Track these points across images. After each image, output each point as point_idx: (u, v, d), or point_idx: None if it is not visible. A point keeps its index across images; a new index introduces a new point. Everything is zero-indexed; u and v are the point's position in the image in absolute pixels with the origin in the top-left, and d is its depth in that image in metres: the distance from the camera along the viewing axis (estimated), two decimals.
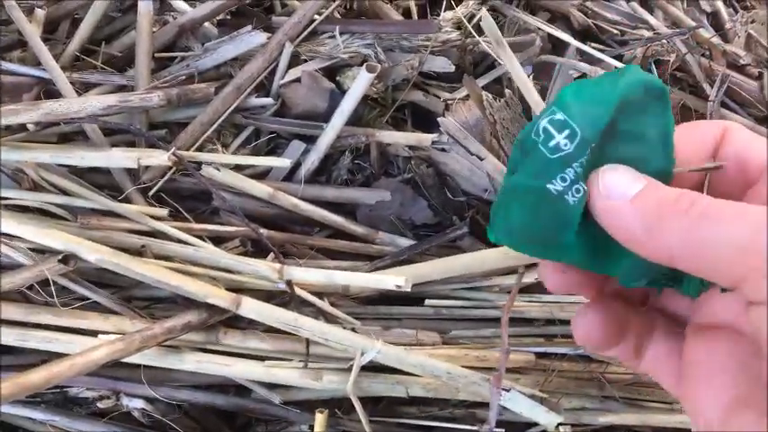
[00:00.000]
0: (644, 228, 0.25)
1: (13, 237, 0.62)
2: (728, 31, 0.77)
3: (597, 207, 0.27)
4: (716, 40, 0.73)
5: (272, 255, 0.65)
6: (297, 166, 0.68)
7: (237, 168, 0.67)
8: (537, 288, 0.67)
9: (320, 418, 0.61)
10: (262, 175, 0.69)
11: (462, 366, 0.61)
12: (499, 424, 0.63)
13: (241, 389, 0.66)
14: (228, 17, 0.73)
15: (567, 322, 0.65)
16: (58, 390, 0.67)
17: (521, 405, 0.58)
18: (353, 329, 0.62)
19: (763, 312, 0.23)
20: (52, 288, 0.62)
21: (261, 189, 0.66)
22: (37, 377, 0.53)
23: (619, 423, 0.61)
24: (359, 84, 0.61)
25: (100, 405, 0.65)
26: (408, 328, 0.65)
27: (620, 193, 0.26)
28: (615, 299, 0.30)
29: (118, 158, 0.63)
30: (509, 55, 0.64)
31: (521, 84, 0.64)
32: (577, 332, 0.30)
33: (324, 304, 0.64)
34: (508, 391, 0.58)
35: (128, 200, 0.67)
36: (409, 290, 0.61)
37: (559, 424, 0.59)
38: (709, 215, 0.24)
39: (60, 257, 0.60)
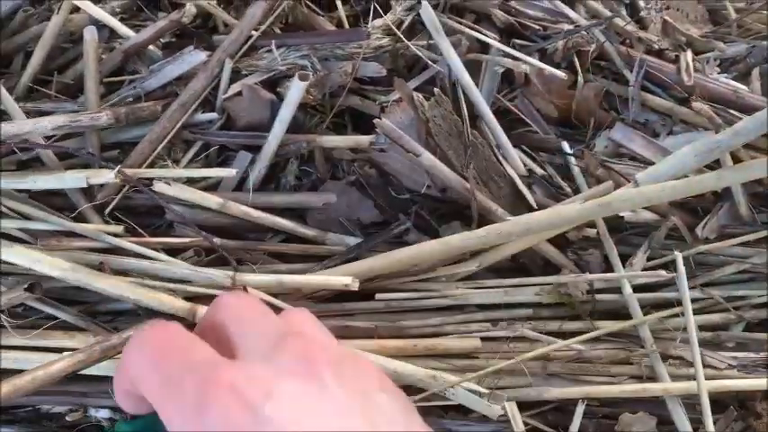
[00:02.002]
0: None
1: None
2: (645, 19, 0.80)
3: None
4: (631, 27, 0.76)
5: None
6: (247, 175, 0.70)
7: (190, 182, 0.69)
8: (484, 275, 0.69)
9: None
10: (214, 186, 0.71)
11: (411, 356, 0.64)
12: (454, 408, 0.66)
13: None
14: (173, 39, 0.75)
15: (510, 306, 0.68)
16: (31, 408, 0.69)
17: (465, 399, 0.60)
18: None
19: None
20: (6, 314, 0.64)
21: (211, 200, 0.67)
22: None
23: (562, 397, 0.63)
24: (293, 92, 0.63)
25: (68, 418, 0.66)
26: (362, 323, 0.67)
27: None
28: None
29: (69, 180, 0.65)
30: (446, 44, 0.66)
31: (457, 71, 0.66)
32: None
33: (279, 303, 0.65)
34: (453, 387, 0.60)
35: (86, 219, 0.69)
36: (356, 289, 0.63)
37: (507, 399, 0.61)
38: None
39: (27, 286, 0.62)
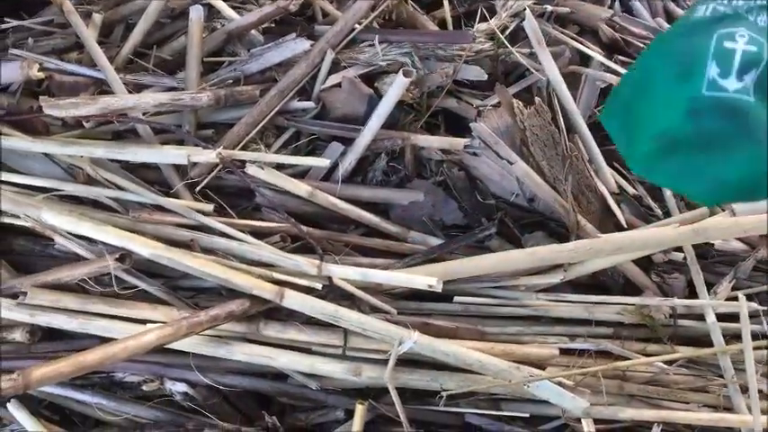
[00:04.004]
0: None
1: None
2: None
3: None
4: None
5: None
6: (335, 166, 0.70)
7: (279, 167, 0.68)
8: (562, 288, 0.68)
9: (360, 409, 0.62)
10: (301, 174, 0.70)
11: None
12: (521, 418, 0.65)
13: (279, 374, 0.67)
14: (273, 25, 0.75)
15: (590, 322, 0.67)
16: (105, 374, 0.69)
17: (548, 392, 0.59)
18: (390, 320, 0.63)
19: None
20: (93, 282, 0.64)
21: (301, 187, 0.67)
22: (93, 357, 0.55)
23: (638, 418, 0.62)
24: (395, 88, 0.62)
25: (144, 388, 0.66)
26: (442, 321, 0.66)
27: None
28: None
29: (169, 155, 0.65)
30: (547, 57, 0.65)
31: (555, 84, 0.65)
32: None
33: (364, 295, 0.64)
34: (537, 381, 0.59)
35: (175, 195, 0.69)
36: (440, 290, 0.62)
37: (582, 419, 0.60)
38: None
39: (118, 256, 0.62)
